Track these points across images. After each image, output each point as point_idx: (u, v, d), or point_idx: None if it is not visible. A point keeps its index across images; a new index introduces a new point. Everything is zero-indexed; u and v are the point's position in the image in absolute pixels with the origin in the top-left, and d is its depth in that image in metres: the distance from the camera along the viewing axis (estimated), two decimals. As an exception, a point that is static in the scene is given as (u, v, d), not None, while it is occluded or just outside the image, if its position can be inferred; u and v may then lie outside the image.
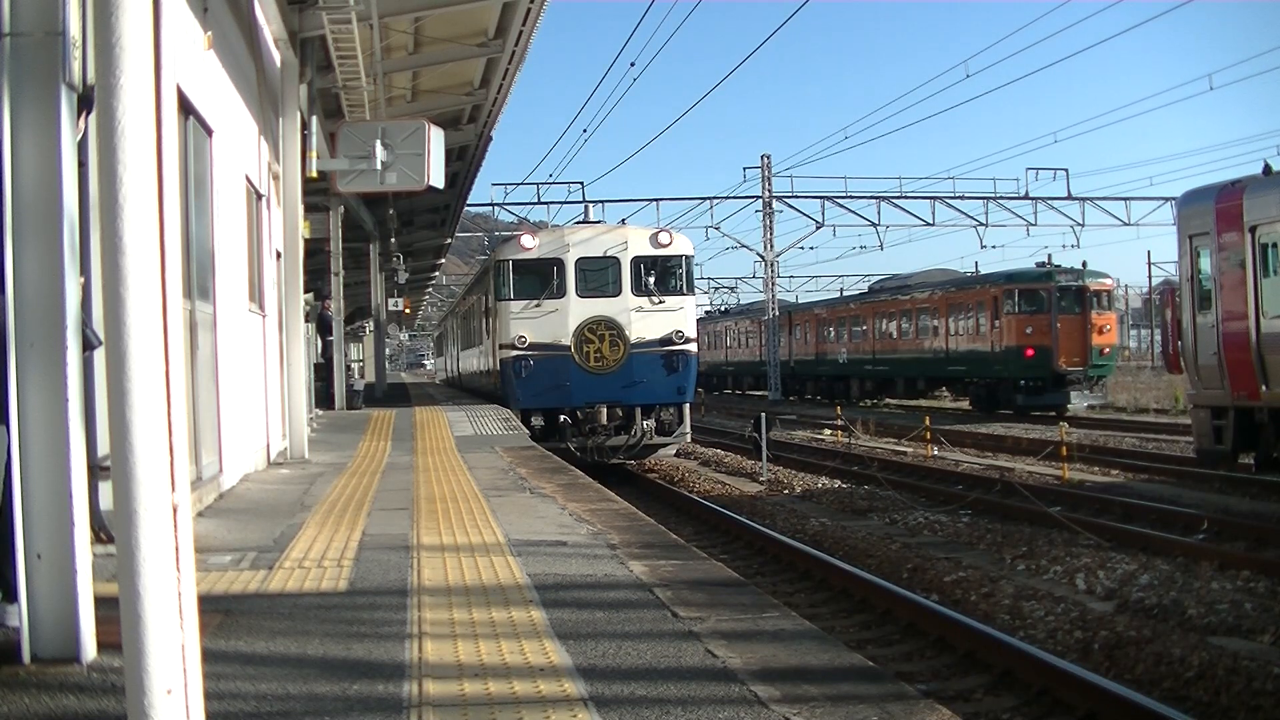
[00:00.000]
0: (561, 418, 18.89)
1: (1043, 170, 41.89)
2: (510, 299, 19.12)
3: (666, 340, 19.01)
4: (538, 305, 18.96)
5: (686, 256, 19.84)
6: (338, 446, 13.54)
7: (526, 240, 19.66)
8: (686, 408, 19.85)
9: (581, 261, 19.14)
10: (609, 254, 19.22)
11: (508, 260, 19.40)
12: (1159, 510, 13.54)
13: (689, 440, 21.17)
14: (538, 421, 18.58)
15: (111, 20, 2.33)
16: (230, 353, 9.28)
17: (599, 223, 21.57)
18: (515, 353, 18.80)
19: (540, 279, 19.13)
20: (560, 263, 19.08)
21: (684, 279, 19.68)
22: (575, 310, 18.95)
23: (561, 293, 19.00)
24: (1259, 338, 13.84)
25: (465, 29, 15.09)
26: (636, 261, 19.20)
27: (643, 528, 7.61)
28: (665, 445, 19.92)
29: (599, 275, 19.24)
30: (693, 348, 19.48)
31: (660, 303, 19.13)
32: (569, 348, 18.81)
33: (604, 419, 18.98)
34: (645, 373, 18.96)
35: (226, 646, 4.42)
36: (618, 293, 19.11)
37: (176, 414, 2.41)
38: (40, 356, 3.92)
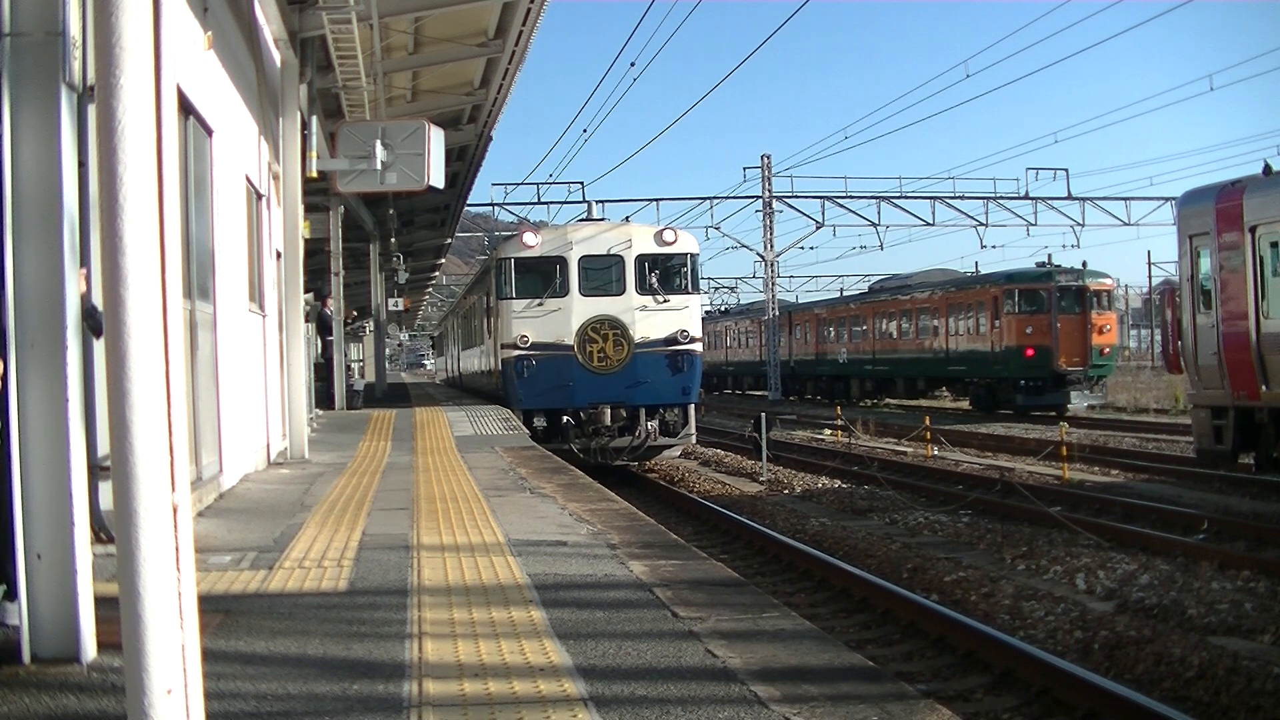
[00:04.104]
0: (564, 419, 18.59)
1: (1043, 170, 41.99)
2: (512, 298, 18.82)
3: (671, 340, 18.69)
4: (540, 304, 18.66)
5: (692, 255, 19.47)
6: (338, 446, 13.54)
7: (529, 238, 19.29)
8: (691, 408, 19.52)
9: (585, 260, 18.81)
10: (613, 252, 18.89)
11: (510, 258, 19.08)
12: (1159, 510, 13.54)
13: (694, 441, 20.80)
14: (540, 423, 18.34)
15: (111, 20, 2.33)
16: (230, 353, 9.28)
17: (602, 220, 21.02)
18: (517, 352, 18.51)
19: (543, 277, 18.82)
20: (563, 261, 18.76)
21: (689, 277, 19.31)
22: (578, 309, 18.63)
23: (564, 291, 18.68)
24: (1259, 338, 13.83)
25: (465, 29, 15.10)
26: (641, 260, 18.86)
27: (643, 527, 7.61)
28: (670, 446, 19.61)
29: (603, 274, 18.91)
30: (698, 347, 19.12)
31: (665, 301, 18.79)
32: (572, 347, 18.50)
33: (608, 420, 18.66)
34: (650, 373, 18.63)
35: (226, 646, 4.42)
36: (622, 291, 18.78)
37: (176, 414, 2.41)
38: (40, 356, 3.92)
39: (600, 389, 18.59)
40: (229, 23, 9.70)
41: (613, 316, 18.66)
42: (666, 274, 19.10)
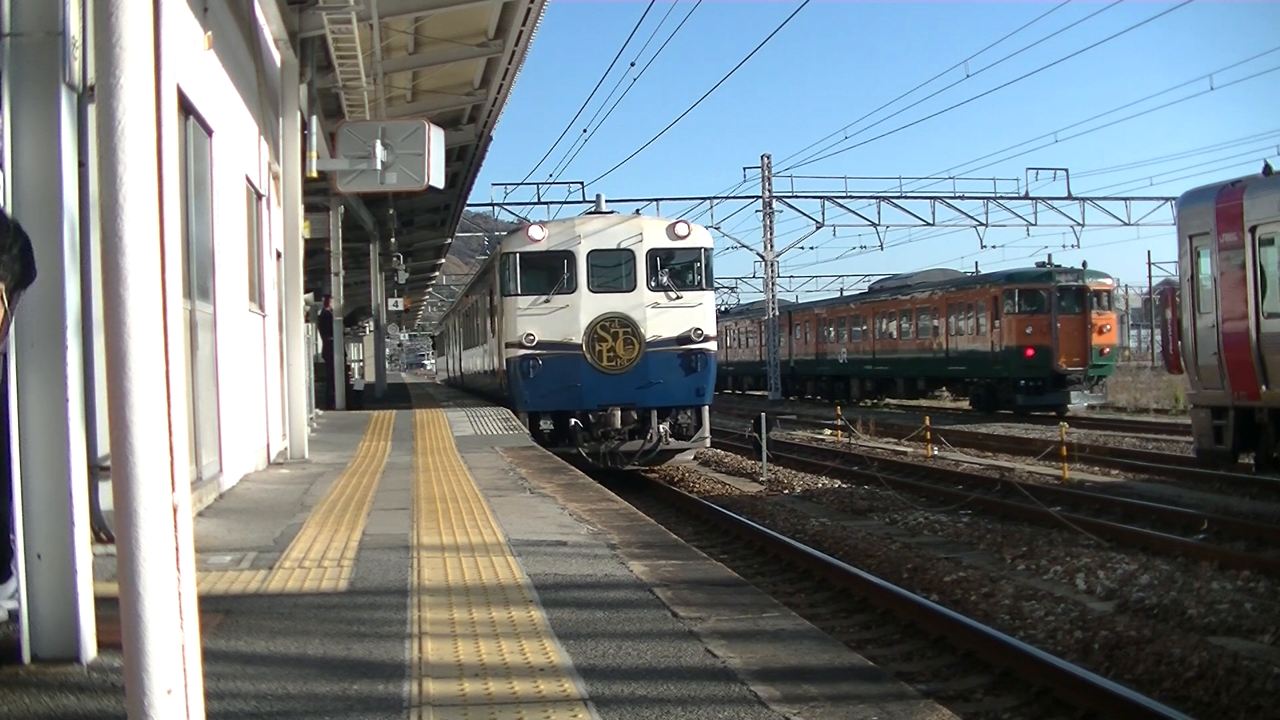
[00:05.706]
0: (572, 421, 17.84)
1: (1043, 170, 42.02)
2: (518, 294, 18.00)
3: (684, 338, 17.89)
4: (547, 301, 17.83)
5: (706, 249, 18.52)
6: (338, 446, 13.54)
7: (535, 232, 18.34)
8: (706, 410, 18.59)
9: (594, 255, 17.95)
10: (623, 246, 18.06)
11: (515, 253, 18.24)
12: (1159, 510, 13.53)
13: (708, 445, 19.80)
14: (547, 425, 17.72)
15: (111, 20, 2.33)
16: (230, 353, 9.29)
17: (612, 213, 19.62)
18: (523, 352, 17.75)
19: (550, 273, 18.01)
20: (571, 255, 17.95)
21: (703, 273, 18.33)
22: (587, 306, 17.84)
23: (572, 287, 17.87)
24: (1259, 338, 13.84)
25: (465, 29, 15.11)
26: (652, 254, 18.00)
27: (643, 527, 7.61)
28: (683, 450, 18.87)
29: (612, 269, 18.12)
30: (712, 346, 18.32)
31: (678, 298, 17.94)
32: (580, 346, 17.70)
33: (618, 422, 17.89)
34: (662, 373, 17.83)
35: (226, 646, 4.42)
36: (632, 287, 17.96)
37: (176, 414, 2.41)
38: (40, 356, 3.92)
39: (610, 390, 17.82)
40: (229, 23, 9.70)
41: (623, 314, 17.85)
42: (679, 269, 18.32)
